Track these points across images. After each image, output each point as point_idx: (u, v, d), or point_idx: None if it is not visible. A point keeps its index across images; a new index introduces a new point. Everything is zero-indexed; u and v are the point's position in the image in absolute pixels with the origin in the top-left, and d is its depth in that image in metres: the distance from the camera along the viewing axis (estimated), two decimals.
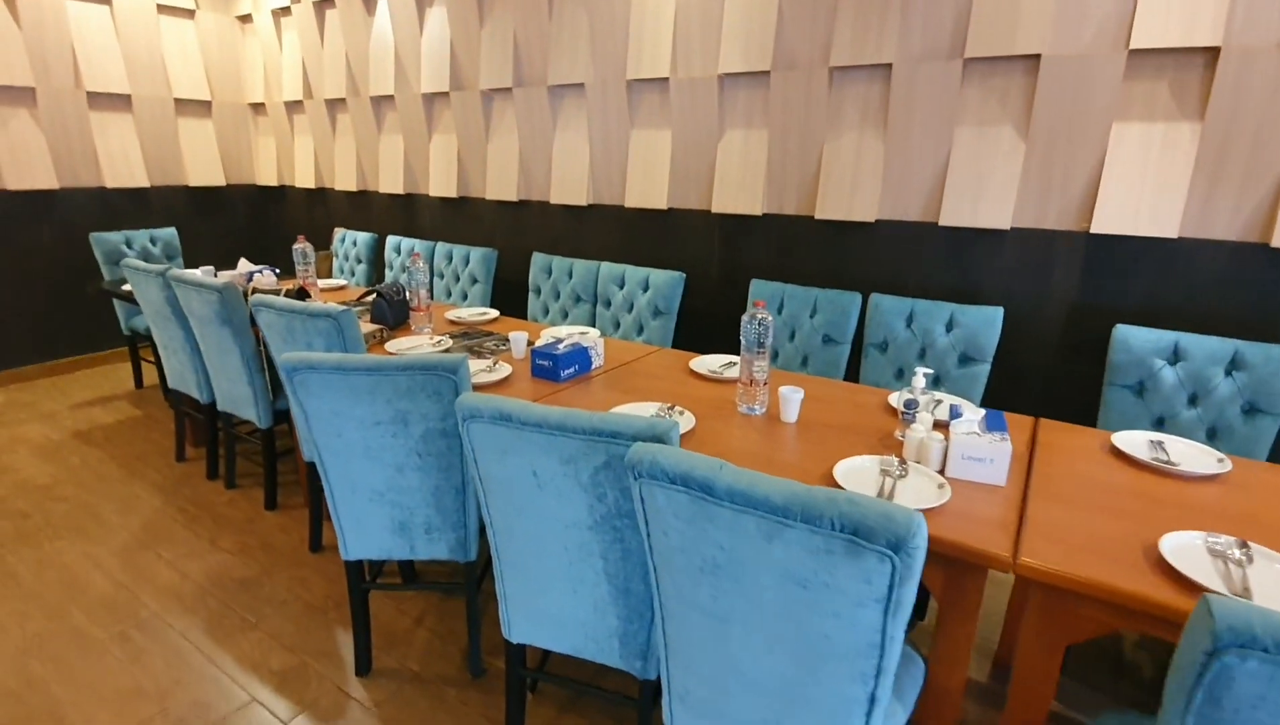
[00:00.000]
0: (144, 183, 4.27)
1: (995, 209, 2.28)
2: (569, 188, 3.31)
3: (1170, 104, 2.01)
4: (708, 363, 2.03)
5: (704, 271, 2.99)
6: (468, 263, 3.34)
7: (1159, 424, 1.81)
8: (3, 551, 2.28)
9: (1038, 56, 2.13)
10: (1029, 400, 2.36)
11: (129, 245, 3.72)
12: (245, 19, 4.60)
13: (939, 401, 1.72)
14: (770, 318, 1.62)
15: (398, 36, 3.72)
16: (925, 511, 1.19)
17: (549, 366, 1.90)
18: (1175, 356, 1.78)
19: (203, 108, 4.55)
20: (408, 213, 4.10)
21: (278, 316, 1.96)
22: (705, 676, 1.06)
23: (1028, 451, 1.48)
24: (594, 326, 2.89)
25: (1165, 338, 1.79)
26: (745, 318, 1.63)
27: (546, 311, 3.06)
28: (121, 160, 4.17)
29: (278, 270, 3.28)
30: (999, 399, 2.34)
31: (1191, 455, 1.44)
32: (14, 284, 3.84)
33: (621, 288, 2.80)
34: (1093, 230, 2.13)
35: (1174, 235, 2.03)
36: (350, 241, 3.88)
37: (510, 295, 3.54)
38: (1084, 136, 2.11)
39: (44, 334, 4.00)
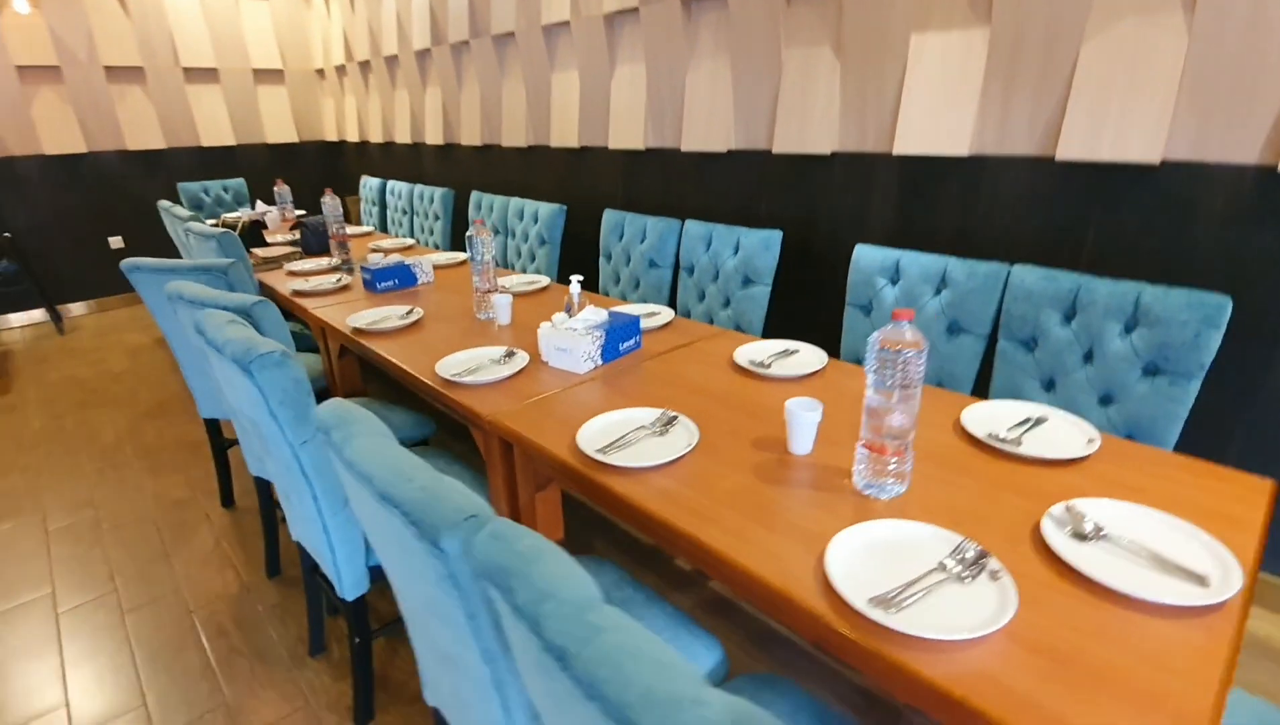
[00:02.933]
0: (232, 141, 5.23)
1: (820, 133, 2.25)
2: (515, 131, 3.61)
3: (965, 8, 1.87)
4: (511, 281, 2.31)
5: (610, 206, 3.17)
6: (433, 201, 3.79)
7: None
8: (61, 410, 3.19)
9: None
10: (816, 323, 2.35)
11: (206, 193, 4.65)
12: None
13: (654, 313, 1.88)
14: (487, 235, 1.87)
15: (399, 5, 4.17)
16: (480, 385, 1.43)
17: (369, 279, 2.29)
18: (897, 275, 1.75)
19: (277, 76, 5.39)
20: (415, 159, 4.64)
21: (196, 239, 2.54)
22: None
23: (666, 352, 1.62)
24: (504, 254, 3.22)
25: (890, 256, 1.76)
26: (467, 235, 1.89)
27: None
28: (213, 123, 5.13)
29: (287, 209, 3.98)
30: (788, 322, 2.37)
31: (798, 362, 1.50)
32: (131, 225, 4.96)
33: (521, 220, 3.09)
34: (895, 151, 2.06)
35: (965, 152, 1.91)
36: (368, 187, 4.50)
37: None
38: (888, 52, 2.02)
39: None
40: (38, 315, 4.68)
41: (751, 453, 1.13)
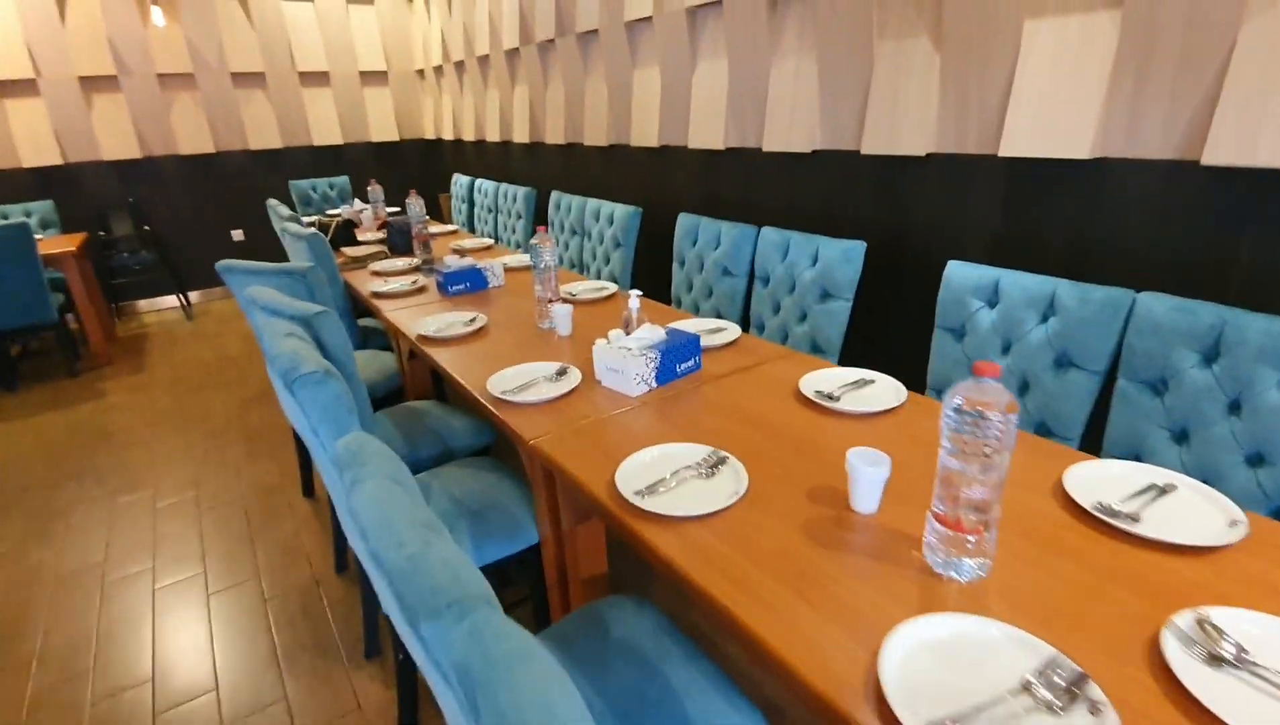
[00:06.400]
0: (339, 141, 5.53)
1: (913, 133, 2.04)
2: (596, 130, 3.57)
3: None
4: (578, 288, 2.26)
5: (687, 208, 3.07)
6: (516, 200, 3.83)
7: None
8: (183, 391, 3.49)
9: None
10: (901, 345, 2.12)
11: (314, 190, 4.94)
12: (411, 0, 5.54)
13: (720, 330, 1.77)
14: (549, 243, 1.82)
15: (491, 5, 4.24)
16: (528, 404, 1.39)
17: (441, 282, 2.32)
18: (995, 297, 1.54)
19: (381, 77, 5.65)
20: (504, 157, 4.71)
21: (290, 239, 2.67)
22: None
23: (726, 375, 1.51)
24: (580, 256, 3.20)
25: (987, 275, 1.55)
26: (531, 243, 1.85)
27: (557, 242, 3.43)
28: (324, 124, 5.45)
29: (379, 207, 4.15)
30: (869, 342, 2.18)
31: (871, 395, 1.34)
32: (251, 219, 5.36)
33: (597, 222, 3.04)
34: (1001, 153, 1.82)
35: (1085, 155, 1.66)
36: (458, 185, 4.63)
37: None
38: (996, 40, 1.79)
39: (275, 257, 5.52)
40: (170, 301, 5.18)
41: (806, 506, 1.01)
